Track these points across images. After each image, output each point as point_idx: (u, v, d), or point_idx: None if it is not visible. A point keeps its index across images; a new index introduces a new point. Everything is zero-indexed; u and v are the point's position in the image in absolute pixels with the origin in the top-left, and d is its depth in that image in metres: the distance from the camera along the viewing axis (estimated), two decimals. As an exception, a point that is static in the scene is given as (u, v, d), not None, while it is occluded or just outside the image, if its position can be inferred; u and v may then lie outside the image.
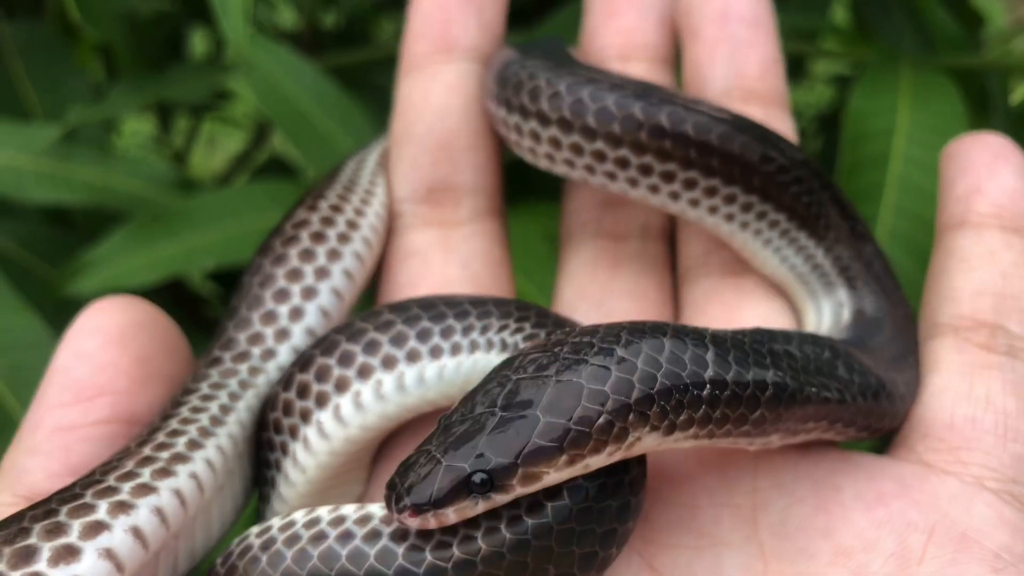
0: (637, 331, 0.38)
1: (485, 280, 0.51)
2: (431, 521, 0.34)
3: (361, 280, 0.50)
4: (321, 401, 0.43)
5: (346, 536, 0.36)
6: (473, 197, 0.53)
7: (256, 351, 0.46)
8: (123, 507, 0.36)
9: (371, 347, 0.43)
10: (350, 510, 0.38)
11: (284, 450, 0.44)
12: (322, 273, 0.48)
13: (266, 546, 0.37)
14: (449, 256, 0.51)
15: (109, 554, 0.34)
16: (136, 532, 0.35)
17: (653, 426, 0.36)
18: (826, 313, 0.51)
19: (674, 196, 0.48)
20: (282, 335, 0.47)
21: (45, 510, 0.35)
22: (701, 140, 0.46)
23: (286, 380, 0.45)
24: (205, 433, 0.41)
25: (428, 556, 0.35)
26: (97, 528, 0.35)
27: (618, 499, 0.37)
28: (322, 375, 0.43)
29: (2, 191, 0.68)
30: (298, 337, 0.47)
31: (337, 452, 0.43)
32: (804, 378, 0.40)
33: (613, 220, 0.54)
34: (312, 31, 0.91)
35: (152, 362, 0.44)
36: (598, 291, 0.52)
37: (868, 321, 0.50)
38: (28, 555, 0.33)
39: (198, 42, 1.20)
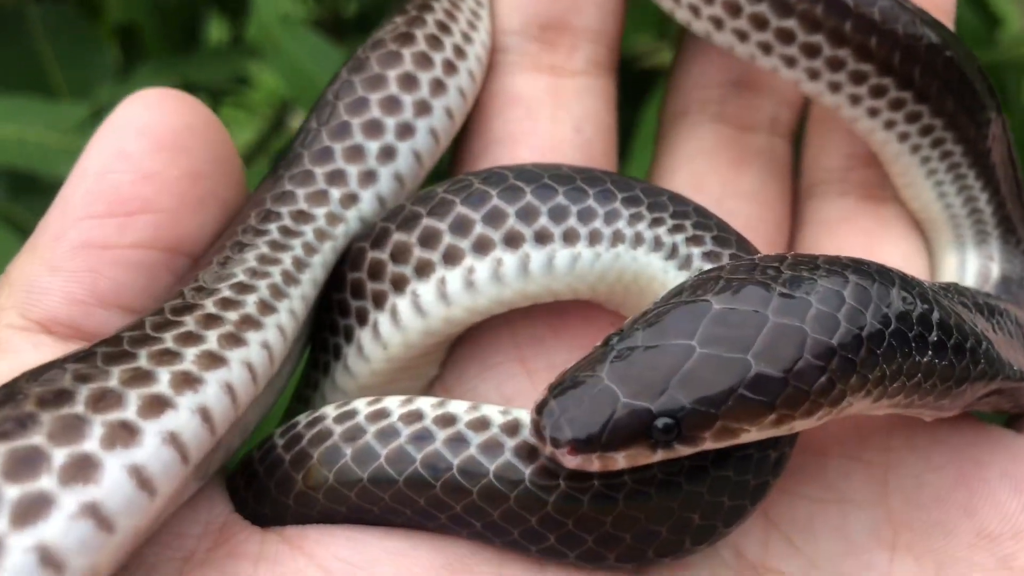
0: (864, 272, 0.32)
1: (597, 151, 0.43)
2: (594, 463, 0.29)
3: (459, 123, 0.42)
4: (422, 270, 0.36)
5: (458, 441, 0.31)
6: (592, 44, 0.44)
7: (336, 194, 0.38)
8: (189, 381, 0.29)
9: (494, 217, 0.36)
10: (461, 408, 0.32)
11: (361, 319, 0.37)
12: (423, 108, 0.40)
13: (351, 436, 0.32)
14: (559, 113, 0.43)
15: (174, 440, 0.28)
16: (204, 414, 0.29)
17: (868, 391, 0.31)
18: (971, 267, 0.46)
19: (835, 87, 0.41)
20: (368, 178, 0.38)
21: (90, 367, 0.28)
22: (886, 29, 0.39)
23: (377, 237, 0.37)
24: (277, 293, 0.33)
25: (561, 483, 0.30)
26: (159, 405, 0.28)
27: (777, 450, 0.32)
28: (428, 239, 0.36)
29: (31, 167, 0.69)
30: (385, 183, 0.39)
31: (430, 333, 0.36)
32: (1008, 350, 0.36)
33: (740, 105, 0.47)
34: (334, 17, 0.92)
35: (206, 181, 0.36)
36: (718, 186, 0.45)
37: (1017, 283, 0.45)
38: (75, 428, 0.26)
39: (214, 29, 1.21)
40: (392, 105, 0.39)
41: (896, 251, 0.45)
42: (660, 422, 0.28)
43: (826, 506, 0.37)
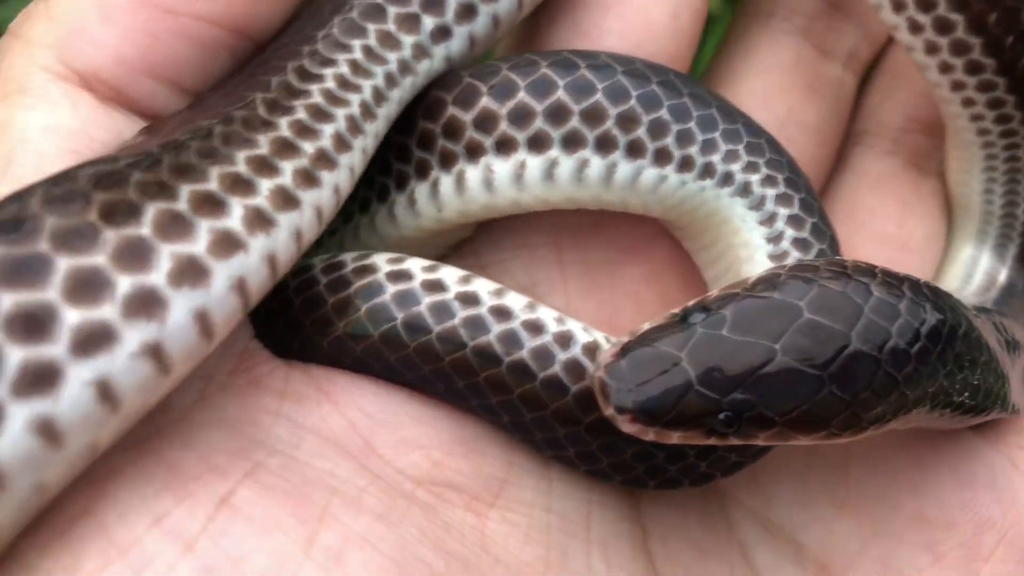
0: (938, 307, 0.33)
1: (686, 44, 0.39)
2: (649, 434, 0.29)
3: None
4: (503, 146, 0.34)
5: (511, 339, 0.31)
6: None
7: (429, 24, 0.33)
8: (262, 221, 0.26)
9: (592, 115, 0.34)
10: (517, 305, 0.32)
11: (421, 171, 0.35)
12: None
13: (403, 301, 0.31)
14: None
15: (241, 287, 0.25)
16: (271, 262, 0.26)
17: (932, 404, 0.33)
18: (981, 265, 0.46)
19: (932, 48, 0.40)
20: (466, 13, 0.34)
21: (156, 178, 0.25)
22: (1009, 5, 0.38)
23: (463, 93, 0.34)
24: (354, 127, 0.30)
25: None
26: (230, 245, 0.25)
27: None
28: (520, 117, 0.34)
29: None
30: (482, 22, 0.35)
31: (491, 209, 0.35)
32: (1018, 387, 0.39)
33: (827, 26, 0.45)
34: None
35: None
36: (784, 110, 0.43)
37: (1019, 295, 0.45)
38: (141, 254, 0.23)
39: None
40: None
41: (921, 229, 0.44)
42: (724, 415, 0.29)
43: (792, 459, 0.39)
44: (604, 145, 0.34)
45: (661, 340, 0.30)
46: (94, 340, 0.22)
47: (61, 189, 0.23)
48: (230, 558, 0.22)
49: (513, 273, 0.38)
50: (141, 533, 0.22)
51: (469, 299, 0.32)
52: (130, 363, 0.22)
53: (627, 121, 0.34)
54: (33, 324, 0.21)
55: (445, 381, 0.31)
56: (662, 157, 0.35)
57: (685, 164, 0.35)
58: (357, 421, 0.29)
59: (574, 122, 0.34)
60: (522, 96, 0.34)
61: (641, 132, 0.34)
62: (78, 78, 0.29)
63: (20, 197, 0.23)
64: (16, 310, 0.21)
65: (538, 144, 0.34)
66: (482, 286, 0.32)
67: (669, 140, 0.35)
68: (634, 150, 0.34)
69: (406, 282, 0.32)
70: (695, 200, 0.35)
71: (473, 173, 0.34)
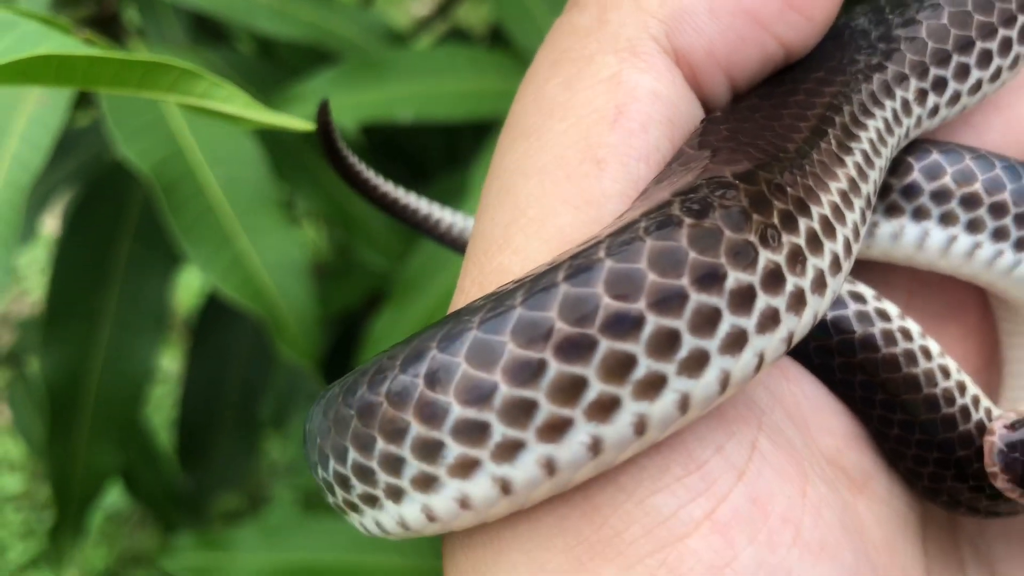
0: None
1: None
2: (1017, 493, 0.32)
3: None
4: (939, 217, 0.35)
5: (944, 371, 0.33)
6: None
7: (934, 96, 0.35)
8: (819, 285, 0.26)
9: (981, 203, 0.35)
10: (936, 350, 0.33)
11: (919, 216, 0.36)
12: None
13: (863, 319, 0.33)
14: None
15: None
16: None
17: None
18: None
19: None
20: (954, 98, 0.35)
21: (775, 198, 0.25)
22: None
23: (929, 166, 0.35)
24: (862, 216, 0.29)
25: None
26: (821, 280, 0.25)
27: None
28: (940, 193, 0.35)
29: (234, 18, 0.74)
30: (965, 100, 0.35)
31: (886, 254, 0.36)
32: None
33: None
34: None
35: None
36: None
37: None
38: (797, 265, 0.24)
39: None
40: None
41: None
42: None
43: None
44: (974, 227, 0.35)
45: None
46: (765, 323, 0.24)
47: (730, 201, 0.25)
48: (762, 495, 0.26)
49: None
50: (709, 456, 0.26)
51: (905, 333, 0.34)
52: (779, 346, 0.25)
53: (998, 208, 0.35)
54: (745, 298, 0.23)
55: (865, 390, 0.34)
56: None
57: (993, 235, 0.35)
58: (801, 402, 0.32)
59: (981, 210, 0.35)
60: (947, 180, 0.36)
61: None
62: (675, 56, 0.30)
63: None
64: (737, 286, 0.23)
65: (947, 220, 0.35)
66: (913, 326, 0.34)
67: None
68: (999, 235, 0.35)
69: (861, 304, 0.34)
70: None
71: (912, 230, 0.35)
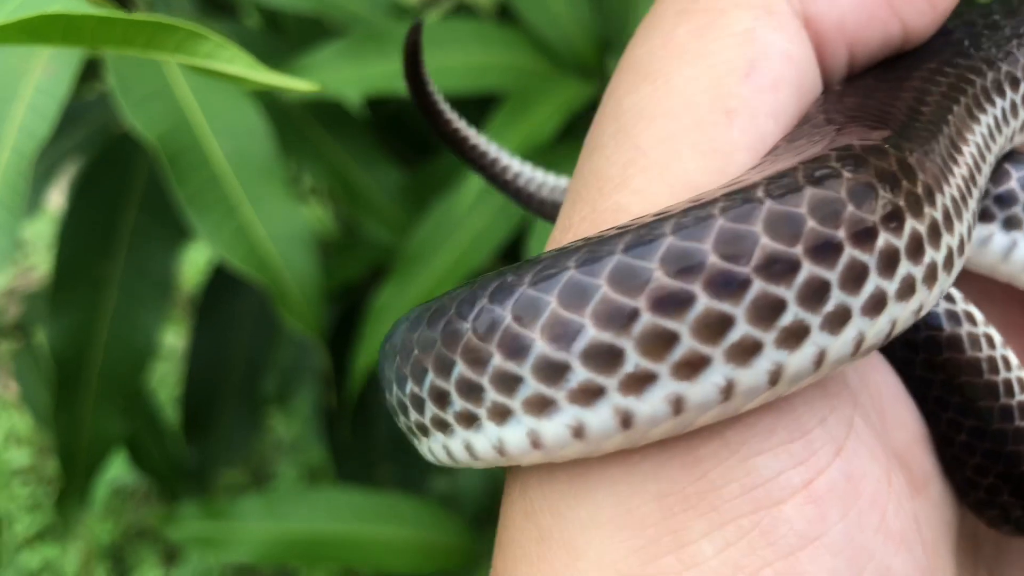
0: None
1: None
2: None
3: None
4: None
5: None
6: None
7: None
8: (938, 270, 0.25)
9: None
10: (1015, 362, 0.33)
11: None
12: None
13: (952, 318, 0.32)
14: None
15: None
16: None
17: None
18: None
19: None
20: None
21: (912, 170, 0.24)
22: None
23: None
24: (974, 216, 0.28)
25: None
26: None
27: None
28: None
29: (241, -12, 0.74)
30: None
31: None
32: None
33: None
34: None
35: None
36: None
37: None
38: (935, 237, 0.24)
39: None
40: None
41: None
42: None
43: None
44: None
45: None
46: (904, 291, 0.23)
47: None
48: (856, 474, 0.26)
49: None
50: (813, 426, 0.25)
51: (989, 339, 0.33)
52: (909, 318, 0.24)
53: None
54: (891, 262, 0.23)
55: (943, 390, 0.33)
56: None
57: None
58: (883, 391, 0.31)
59: None
60: None
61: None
62: (805, 22, 0.29)
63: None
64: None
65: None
66: (996, 334, 0.33)
67: None
68: None
69: (951, 303, 0.33)
70: None
71: (1001, 239, 0.33)
